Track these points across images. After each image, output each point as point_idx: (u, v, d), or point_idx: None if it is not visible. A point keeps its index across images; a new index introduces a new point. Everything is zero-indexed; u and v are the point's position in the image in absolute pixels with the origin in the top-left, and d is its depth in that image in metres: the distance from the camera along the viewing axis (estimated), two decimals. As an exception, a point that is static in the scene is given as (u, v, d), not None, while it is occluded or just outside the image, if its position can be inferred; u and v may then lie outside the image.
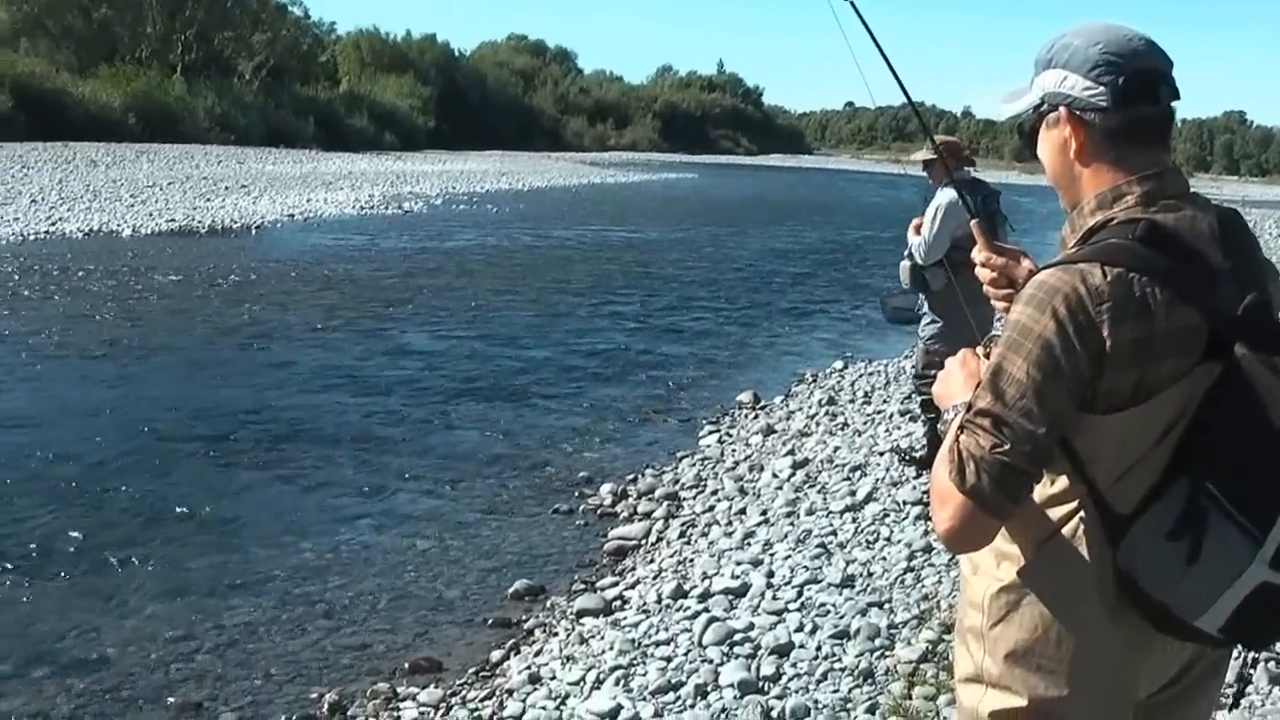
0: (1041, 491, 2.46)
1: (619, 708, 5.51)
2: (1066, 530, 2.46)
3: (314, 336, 15.53)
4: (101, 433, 10.52)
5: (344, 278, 20.96)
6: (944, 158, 8.65)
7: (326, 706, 5.93)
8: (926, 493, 8.51)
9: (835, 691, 5.61)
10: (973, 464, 2.32)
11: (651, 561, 7.88)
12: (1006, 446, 2.30)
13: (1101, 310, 2.30)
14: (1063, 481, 2.45)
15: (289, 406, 11.83)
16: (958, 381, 2.69)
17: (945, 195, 8.66)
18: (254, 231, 27.36)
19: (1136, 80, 2.46)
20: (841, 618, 6.46)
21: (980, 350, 2.70)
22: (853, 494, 8.70)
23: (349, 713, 5.89)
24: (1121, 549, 2.37)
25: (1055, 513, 2.47)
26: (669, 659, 6.07)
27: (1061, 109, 2.54)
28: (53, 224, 25.02)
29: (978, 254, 3.02)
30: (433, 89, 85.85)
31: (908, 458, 9.42)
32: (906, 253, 8.89)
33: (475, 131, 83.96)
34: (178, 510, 8.74)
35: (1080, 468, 2.40)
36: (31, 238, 23.24)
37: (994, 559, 2.55)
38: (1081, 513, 2.44)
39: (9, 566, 7.60)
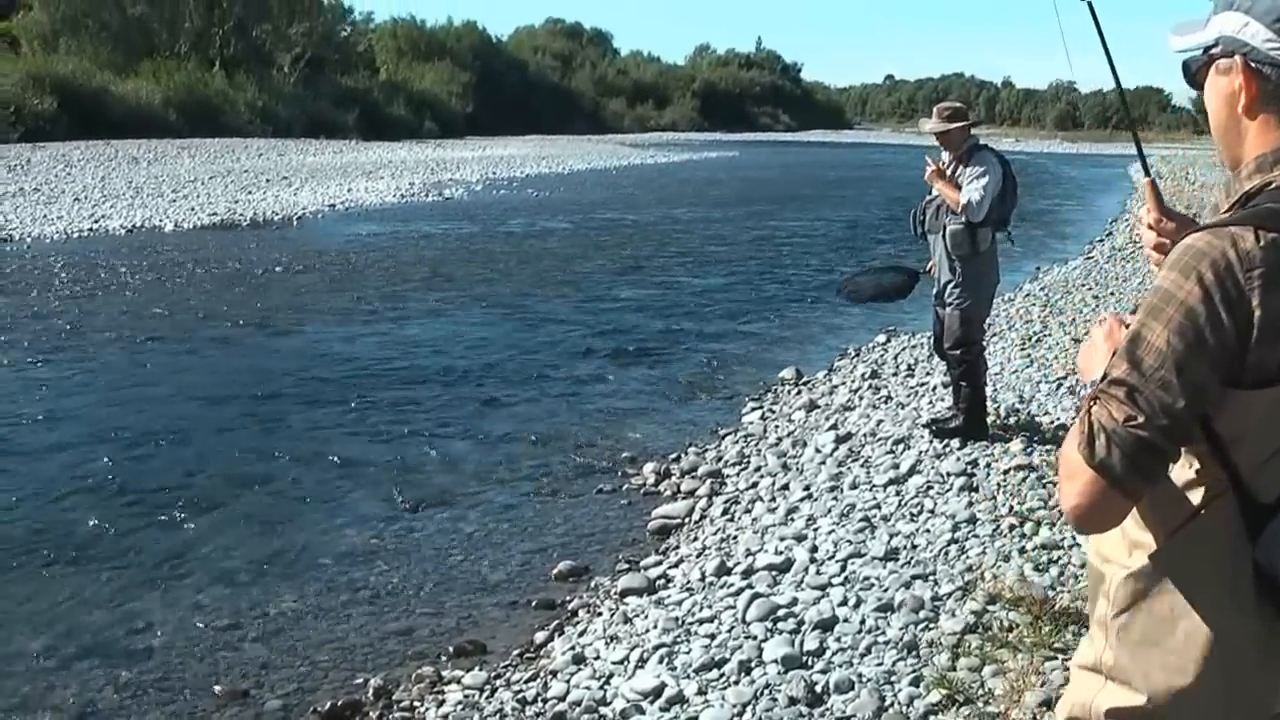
0: (1178, 474, 2.27)
1: (663, 686, 5.50)
2: (1202, 518, 2.28)
3: (356, 324, 15.59)
4: (147, 423, 10.60)
5: (386, 265, 21.02)
6: (968, 126, 8.71)
7: (372, 691, 5.94)
8: (971, 463, 8.52)
9: (879, 665, 5.58)
10: (1104, 436, 2.14)
11: (695, 539, 7.87)
12: (1141, 419, 2.13)
13: (1252, 277, 2.13)
14: (1201, 465, 2.26)
15: (332, 394, 11.88)
16: (1100, 353, 2.45)
17: (990, 159, 8.72)
18: (295, 222, 27.46)
19: None
20: (885, 591, 6.42)
21: (1128, 318, 2.46)
22: (896, 467, 8.65)
23: (394, 697, 5.90)
24: (1261, 542, 2.21)
25: (1191, 498, 2.28)
26: (713, 636, 6.05)
27: (1237, 57, 2.31)
28: (95, 221, 25.18)
29: (1148, 215, 2.84)
30: (471, 75, 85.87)
31: (940, 429, 9.37)
32: (949, 219, 8.82)
33: (514, 117, 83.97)
34: (223, 498, 8.80)
35: (1221, 450, 2.22)
36: (75, 235, 23.41)
37: (1125, 546, 2.38)
38: (1220, 500, 2.25)
39: (56, 556, 7.67)
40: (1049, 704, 5.01)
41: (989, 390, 9.89)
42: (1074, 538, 7.11)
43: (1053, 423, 9.83)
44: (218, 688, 6.05)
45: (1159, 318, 2.16)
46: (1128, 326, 2.32)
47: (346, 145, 57.77)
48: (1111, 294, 17.38)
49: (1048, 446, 8.93)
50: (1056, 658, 5.51)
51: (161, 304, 16.55)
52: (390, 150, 55.89)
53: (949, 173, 8.89)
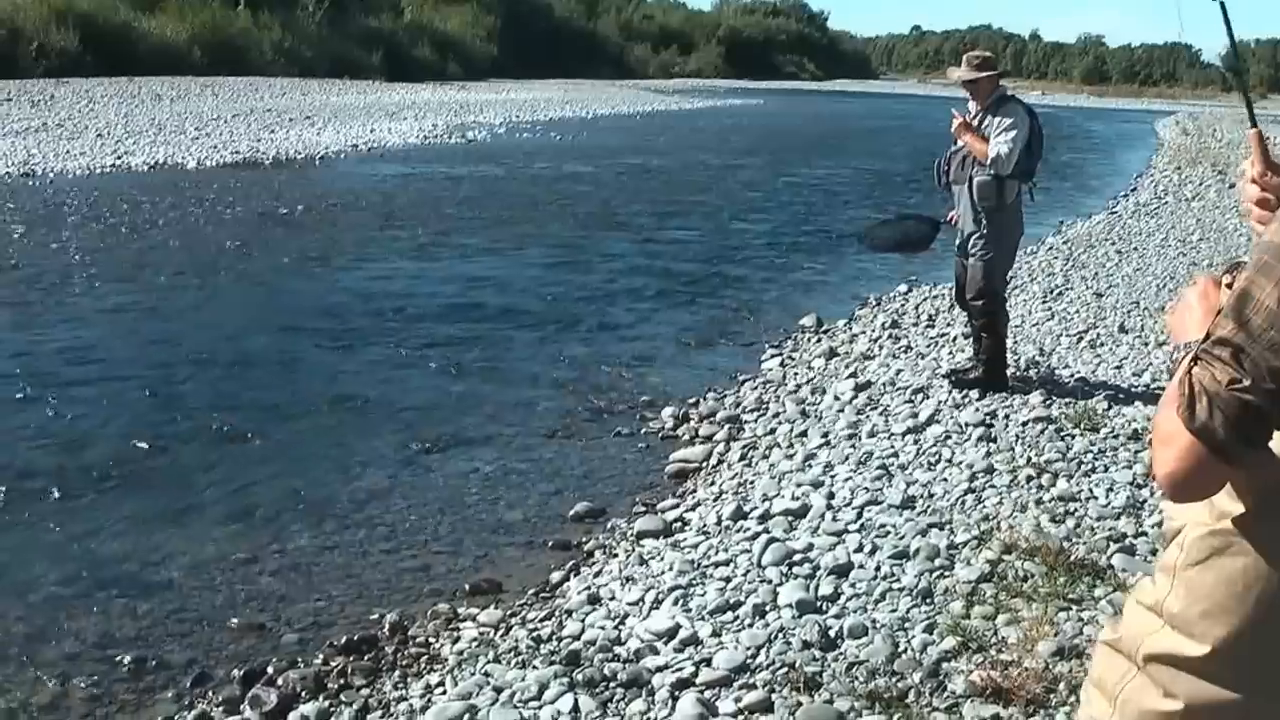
0: (1275, 441, 2.12)
1: (677, 627, 5.52)
2: None
3: (376, 264, 15.60)
4: (168, 359, 10.65)
5: (407, 206, 21.01)
6: (997, 76, 8.66)
7: (387, 627, 5.97)
8: (989, 414, 8.52)
9: (893, 611, 5.60)
10: (1205, 400, 2.01)
11: (712, 483, 7.88)
12: (1247, 383, 1.99)
13: None
14: None
15: (350, 331, 11.91)
16: (1195, 315, 2.33)
17: (1019, 110, 8.69)
18: (318, 162, 27.44)
19: None
20: (901, 538, 6.44)
21: (1224, 278, 2.38)
22: (914, 416, 8.66)
23: (410, 632, 5.93)
24: None
25: None
26: (728, 579, 6.07)
27: None
28: (118, 158, 25.17)
29: (1252, 168, 2.67)
30: (496, 18, 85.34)
31: (960, 380, 9.36)
32: (976, 170, 8.79)
33: (539, 60, 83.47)
34: (242, 434, 8.83)
35: None
36: (98, 171, 23.41)
37: (1206, 505, 2.27)
38: None
39: (76, 488, 7.72)
40: (1061, 653, 5.04)
41: (1009, 342, 9.88)
42: (1091, 490, 7.12)
43: (1073, 376, 9.83)
44: (234, 620, 6.10)
45: (1271, 275, 2.02)
46: (1226, 287, 2.27)
47: (370, 86, 57.58)
48: (1134, 249, 17.33)
49: (1067, 399, 8.94)
50: (1070, 608, 5.53)
51: (184, 241, 16.58)
52: (414, 92, 55.71)
53: (976, 123, 8.85)
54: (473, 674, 5.29)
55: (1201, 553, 2.28)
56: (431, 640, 5.84)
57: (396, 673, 5.52)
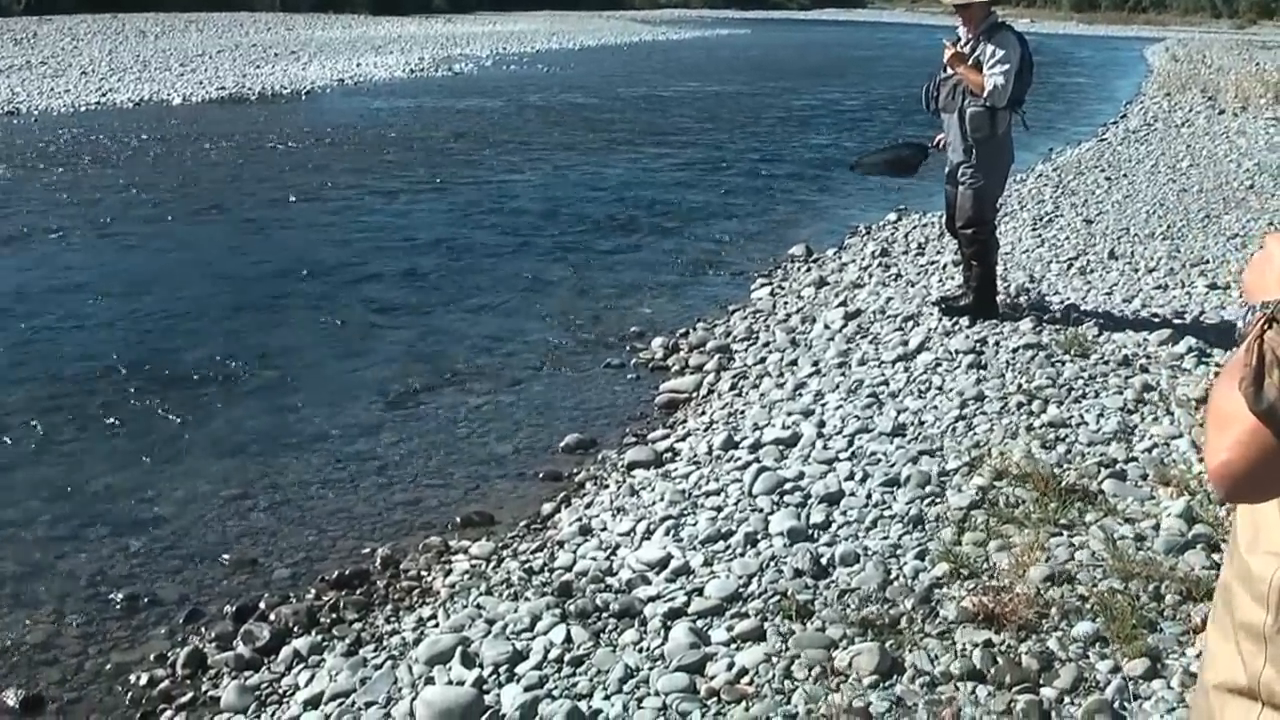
0: None
1: (669, 557, 5.52)
2: None
3: (363, 198, 15.55)
4: (158, 296, 10.63)
5: (394, 140, 20.93)
6: (990, 2, 8.58)
7: (379, 560, 5.98)
8: (980, 341, 8.50)
9: (885, 538, 5.60)
10: (1277, 373, 1.62)
11: (702, 413, 7.88)
12: None
13: None
14: None
15: (340, 266, 11.88)
16: (1276, 271, 1.83)
17: (1010, 39, 8.62)
18: (304, 97, 27.34)
19: None
20: (892, 466, 6.43)
21: None
22: (905, 344, 8.63)
23: (401, 566, 5.94)
24: None
25: None
26: (719, 509, 6.07)
27: None
28: (103, 95, 25.08)
29: None
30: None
31: (950, 307, 9.35)
32: (969, 100, 8.73)
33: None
34: (230, 371, 8.82)
35: None
36: (83, 109, 23.33)
37: None
38: None
39: (65, 426, 7.72)
40: (1053, 579, 5.04)
41: (1000, 269, 9.86)
42: (1081, 416, 7.12)
43: (1063, 302, 9.81)
44: (226, 556, 6.10)
45: None
46: None
47: (355, 20, 57.41)
48: (1124, 176, 17.25)
49: (1057, 326, 8.92)
50: (1062, 533, 5.54)
51: (171, 177, 16.53)
52: (400, 25, 55.48)
53: (968, 50, 8.78)
54: (465, 606, 5.30)
55: None
56: (423, 573, 5.86)
57: (389, 606, 5.54)
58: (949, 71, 8.87)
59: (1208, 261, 11.48)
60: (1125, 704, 4.24)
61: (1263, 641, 1.83)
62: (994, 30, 8.74)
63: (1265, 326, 1.66)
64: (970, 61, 8.69)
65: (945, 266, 11.01)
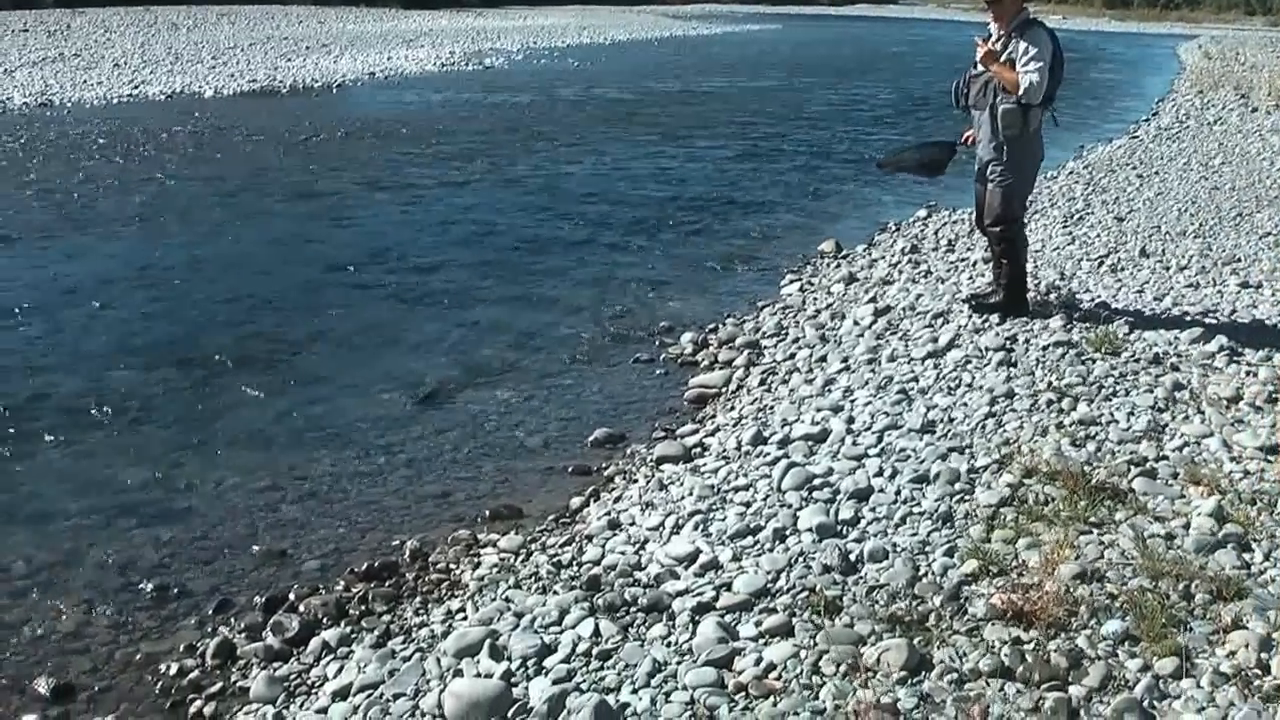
0: None
1: (697, 551, 5.53)
2: None
3: (396, 192, 15.58)
4: (192, 287, 10.70)
5: (425, 134, 20.94)
6: None
7: (408, 553, 6.00)
8: (1010, 339, 8.48)
9: (914, 535, 5.59)
10: None
11: (732, 409, 7.88)
12: None
13: None
14: None
15: (371, 260, 11.91)
16: None
17: (1042, 35, 8.58)
18: (335, 90, 27.39)
19: None
20: (921, 463, 6.42)
21: None
22: (935, 340, 8.61)
23: (430, 559, 5.96)
24: None
25: None
26: (748, 504, 6.08)
27: None
28: (135, 87, 25.19)
29: None
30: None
31: (980, 304, 9.32)
32: (1001, 98, 8.68)
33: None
34: (261, 362, 8.86)
35: None
36: (115, 101, 23.42)
37: None
38: None
39: (99, 417, 7.78)
40: (1083, 577, 5.02)
41: (1030, 267, 9.83)
42: (1112, 414, 7.09)
43: (1093, 300, 9.77)
44: (256, 548, 6.13)
45: None
46: None
47: (386, 13, 57.42)
48: (1156, 173, 17.19)
49: (1087, 323, 8.87)
50: (1091, 531, 5.51)
51: (203, 169, 16.59)
52: (431, 19, 55.55)
53: (1000, 46, 8.73)
54: (493, 599, 5.32)
55: None
56: (452, 566, 5.88)
57: (417, 599, 5.56)
58: (979, 68, 8.83)
59: (1239, 260, 11.43)
60: (1154, 703, 4.22)
61: None
62: (1026, 26, 8.68)
63: None
64: (1003, 59, 8.65)
65: (975, 264, 10.99)
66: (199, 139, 19.10)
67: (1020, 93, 8.51)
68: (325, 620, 5.38)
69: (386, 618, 5.37)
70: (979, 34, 9.01)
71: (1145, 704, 4.20)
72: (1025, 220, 9.53)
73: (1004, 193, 8.87)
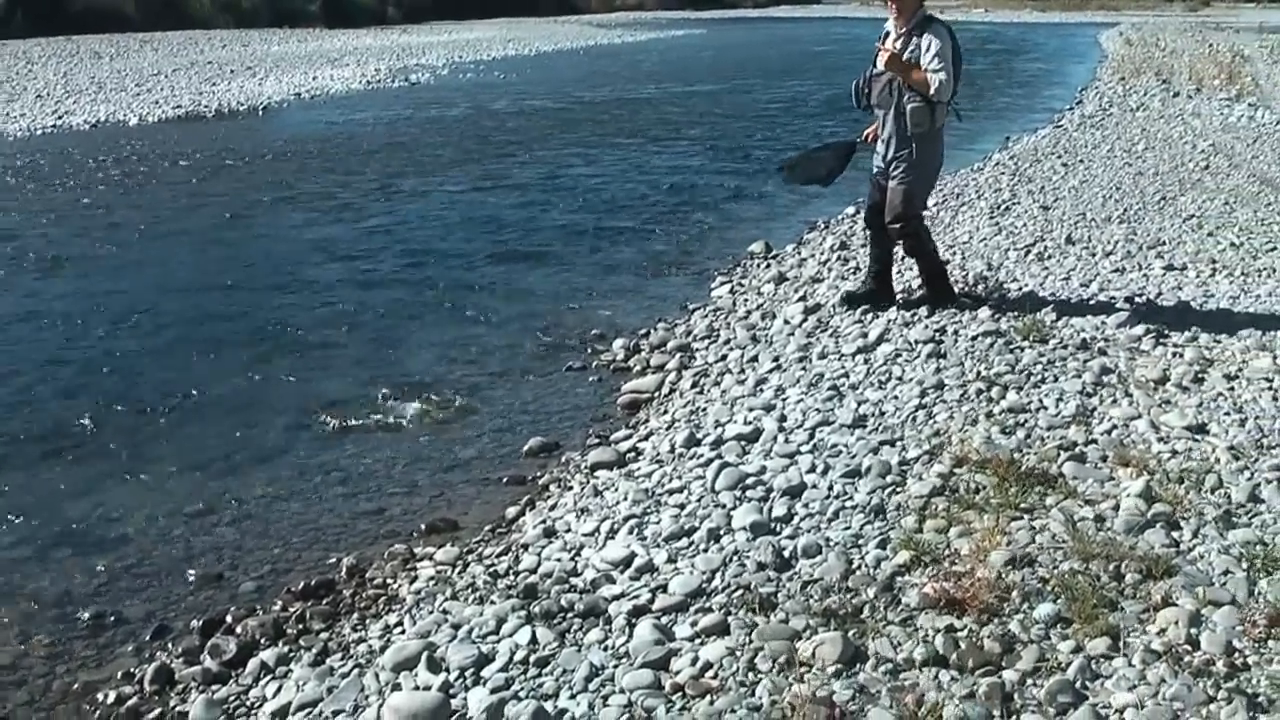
0: None
1: (632, 555, 5.55)
2: None
3: (324, 212, 15.51)
4: (119, 314, 10.60)
5: (353, 152, 20.89)
6: None
7: (345, 570, 5.99)
8: (939, 331, 8.54)
9: (847, 529, 5.63)
10: None
11: (664, 412, 7.91)
12: None
13: None
14: None
15: (302, 281, 11.86)
16: None
17: (943, 32, 8.67)
18: (261, 113, 27.26)
19: None
20: (853, 457, 6.47)
21: None
22: (864, 336, 8.67)
23: (367, 575, 5.95)
24: None
25: None
26: (682, 506, 6.10)
27: None
28: (59, 117, 24.99)
29: None
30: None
31: (853, 298, 9.49)
32: (908, 96, 8.76)
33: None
34: (194, 388, 8.79)
35: None
36: (38, 132, 23.22)
37: None
38: None
39: (30, 449, 7.71)
40: (1014, 562, 5.08)
41: (958, 258, 9.91)
42: (1041, 400, 7.17)
43: (1021, 289, 9.86)
44: (192, 572, 6.11)
45: None
46: None
47: (311, 33, 57.14)
48: (1080, 161, 17.35)
49: (1015, 312, 8.96)
50: (1022, 517, 5.58)
51: (129, 198, 16.46)
52: (355, 37, 55.28)
53: (901, 45, 8.80)
54: (431, 612, 5.32)
55: None
56: (389, 581, 5.88)
57: (355, 615, 5.56)
58: (881, 67, 8.90)
59: (1164, 243, 11.57)
60: (1087, 683, 4.27)
61: None
62: (926, 24, 8.76)
63: None
64: (905, 56, 8.72)
65: (903, 258, 11.02)
66: (125, 167, 18.95)
67: (932, 92, 8.58)
68: (263, 641, 5.36)
69: (324, 635, 5.36)
70: (880, 36, 9.07)
71: (1078, 685, 4.25)
72: (923, 215, 9.61)
73: (906, 190, 8.95)
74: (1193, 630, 4.52)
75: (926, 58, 8.58)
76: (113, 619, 5.69)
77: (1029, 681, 4.31)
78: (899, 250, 9.45)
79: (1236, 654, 4.39)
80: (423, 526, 6.51)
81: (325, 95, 30.69)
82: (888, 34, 8.93)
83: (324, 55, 43.67)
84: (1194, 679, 4.24)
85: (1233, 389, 7.37)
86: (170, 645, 5.44)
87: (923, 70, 8.61)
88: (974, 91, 29.47)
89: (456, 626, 5.08)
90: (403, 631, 5.22)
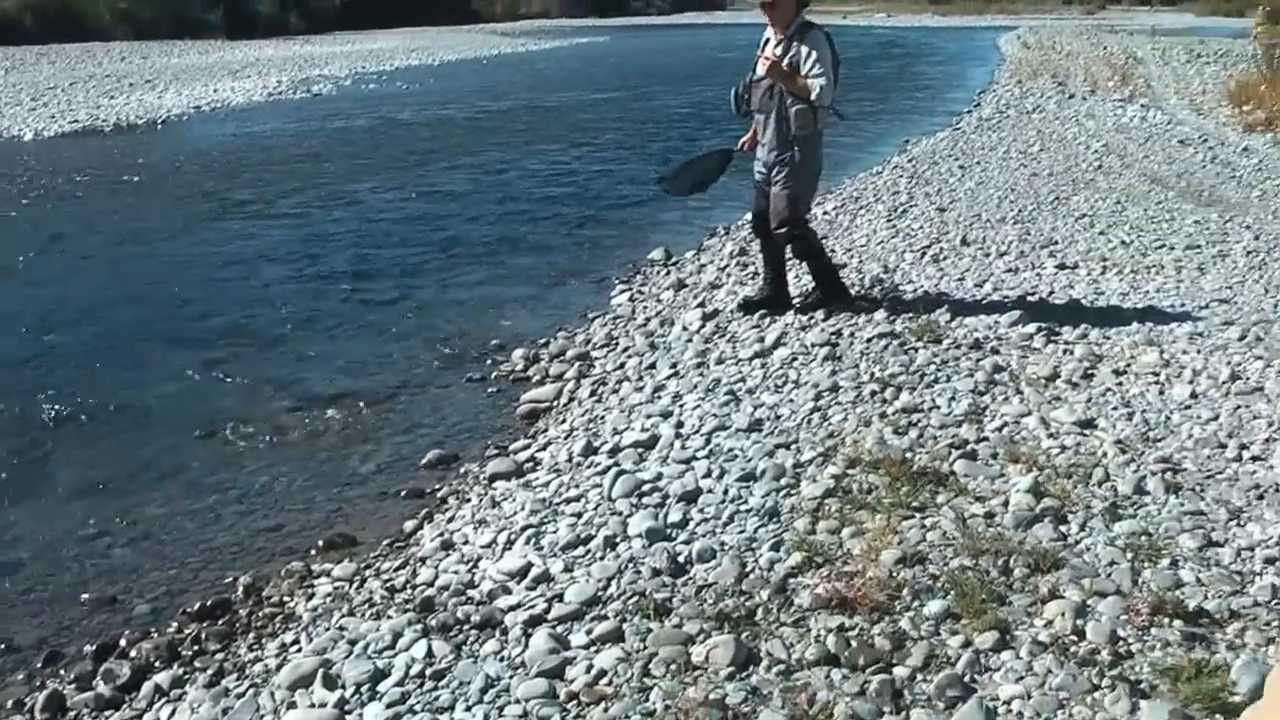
0: None
1: (529, 565, 5.57)
2: None
3: (223, 226, 15.39)
4: (8, 334, 10.43)
5: (253, 165, 20.72)
6: (799, 1, 8.73)
7: (241, 589, 5.95)
8: (835, 334, 8.63)
9: (741, 532, 5.68)
10: None
11: (563, 422, 7.92)
12: None
13: None
14: None
15: (199, 297, 11.75)
16: None
17: (820, 38, 8.82)
18: (160, 126, 26.95)
19: None
20: (749, 461, 6.52)
21: None
22: (761, 340, 8.74)
23: (264, 593, 5.91)
24: None
25: None
26: (579, 514, 6.12)
27: None
28: (-50, 134, 24.63)
29: None
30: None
31: (749, 304, 9.60)
32: (790, 100, 8.87)
33: (384, 10, 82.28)
34: (89, 407, 8.69)
35: None
36: (-72, 150, 22.85)
37: None
38: None
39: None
40: (905, 560, 5.16)
41: (854, 261, 10.02)
42: (934, 400, 7.27)
43: (916, 290, 9.98)
44: (85, 596, 6.04)
45: None
46: None
47: (211, 45, 56.55)
48: (977, 163, 17.57)
49: (910, 314, 9.08)
50: (914, 516, 5.66)
51: (22, 215, 16.23)
52: (257, 48, 54.81)
53: (781, 51, 8.91)
54: (327, 629, 5.31)
55: None
56: (286, 599, 5.84)
57: (251, 634, 5.52)
58: (760, 72, 9.02)
59: (1057, 242, 11.76)
60: (975, 676, 4.36)
61: None
62: (805, 30, 8.91)
63: None
64: (785, 62, 8.84)
65: (801, 262, 11.12)
66: (20, 184, 18.66)
67: (814, 96, 8.71)
68: (157, 663, 5.32)
69: (220, 656, 5.32)
70: (761, 45, 9.17)
71: (966, 678, 4.34)
72: (809, 219, 9.74)
73: (790, 194, 9.08)
74: (1079, 621, 4.63)
75: (807, 64, 8.72)
76: (3, 647, 5.61)
77: (919, 677, 4.38)
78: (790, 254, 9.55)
79: (1120, 642, 4.51)
80: (320, 543, 6.48)
81: (226, 107, 30.43)
82: (768, 41, 9.06)
83: (225, 67, 43.28)
84: (1079, 668, 4.34)
85: (1121, 384, 7.53)
86: (62, 671, 5.37)
87: (803, 76, 8.73)
88: (877, 95, 29.84)
89: (353, 642, 5.08)
90: (299, 649, 5.20)
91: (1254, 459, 6.35)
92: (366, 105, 30.97)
